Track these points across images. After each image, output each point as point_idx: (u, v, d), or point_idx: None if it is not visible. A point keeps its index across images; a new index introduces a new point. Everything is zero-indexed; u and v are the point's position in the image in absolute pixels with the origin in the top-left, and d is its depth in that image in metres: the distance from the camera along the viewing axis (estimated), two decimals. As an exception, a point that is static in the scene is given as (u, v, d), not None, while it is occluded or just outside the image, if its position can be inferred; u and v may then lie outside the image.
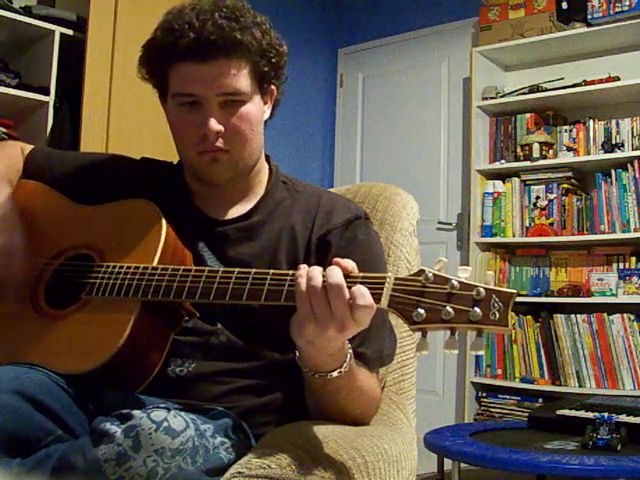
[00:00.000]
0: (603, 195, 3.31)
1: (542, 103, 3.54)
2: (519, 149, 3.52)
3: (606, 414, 2.41)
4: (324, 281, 0.89)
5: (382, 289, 0.88)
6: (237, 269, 0.99)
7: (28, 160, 1.31)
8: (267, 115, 1.22)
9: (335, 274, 0.89)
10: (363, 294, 0.87)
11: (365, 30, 4.41)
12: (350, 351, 1.02)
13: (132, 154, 1.34)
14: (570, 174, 3.42)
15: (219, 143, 1.11)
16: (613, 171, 3.28)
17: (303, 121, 4.31)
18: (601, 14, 3.26)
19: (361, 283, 0.88)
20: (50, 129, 2.70)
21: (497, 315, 0.82)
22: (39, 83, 2.71)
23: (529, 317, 3.42)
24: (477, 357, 3.47)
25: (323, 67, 4.50)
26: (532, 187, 3.50)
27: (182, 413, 0.91)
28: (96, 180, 1.26)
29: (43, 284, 1.15)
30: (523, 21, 3.56)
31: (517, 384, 3.38)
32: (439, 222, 3.97)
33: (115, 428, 0.87)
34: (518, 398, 3.37)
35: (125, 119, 2.80)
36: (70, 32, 2.76)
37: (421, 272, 0.87)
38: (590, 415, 2.46)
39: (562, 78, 3.53)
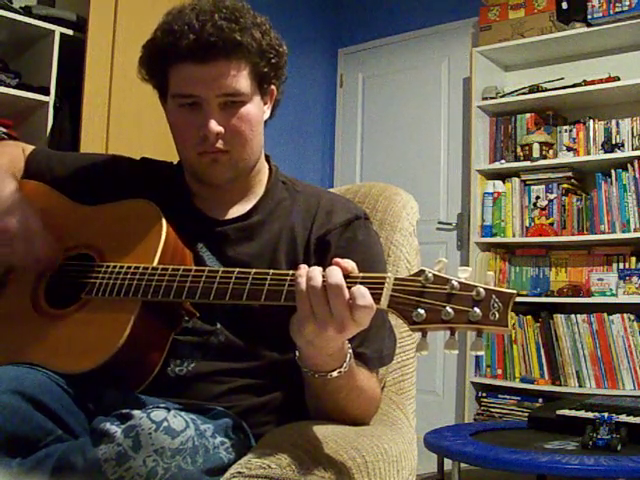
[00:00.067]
0: (603, 195, 3.31)
1: (542, 103, 3.54)
2: (519, 149, 3.52)
3: (606, 414, 2.41)
4: (324, 281, 0.89)
5: (382, 289, 0.88)
6: (237, 269, 0.99)
7: (29, 160, 1.31)
8: (267, 115, 1.22)
9: (335, 274, 0.89)
10: (363, 294, 0.87)
11: (365, 30, 4.41)
12: (350, 351, 1.02)
13: (132, 154, 1.34)
14: (570, 174, 3.42)
15: (219, 144, 1.12)
16: (613, 171, 3.28)
17: (303, 121, 4.31)
18: (601, 14, 3.26)
19: (361, 283, 0.89)
20: (50, 129, 2.70)
21: (497, 315, 0.82)
22: (39, 83, 2.71)
23: (529, 317, 3.42)
24: (477, 357, 3.47)
25: (323, 67, 4.50)
26: (532, 187, 3.50)
27: (182, 413, 0.92)
28: (96, 180, 1.26)
29: (43, 284, 1.15)
30: (523, 21, 3.56)
31: (517, 384, 3.38)
32: (439, 222, 3.97)
33: (115, 428, 0.87)
34: (518, 398, 3.37)
35: (125, 119, 2.80)
36: (70, 32, 2.76)
37: (421, 272, 0.87)
38: (590, 415, 2.46)
39: (562, 78, 3.53)
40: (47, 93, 2.69)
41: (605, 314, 3.20)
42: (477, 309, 0.82)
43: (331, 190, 1.40)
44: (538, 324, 3.39)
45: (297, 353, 1.00)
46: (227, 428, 1.00)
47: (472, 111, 3.64)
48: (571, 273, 3.42)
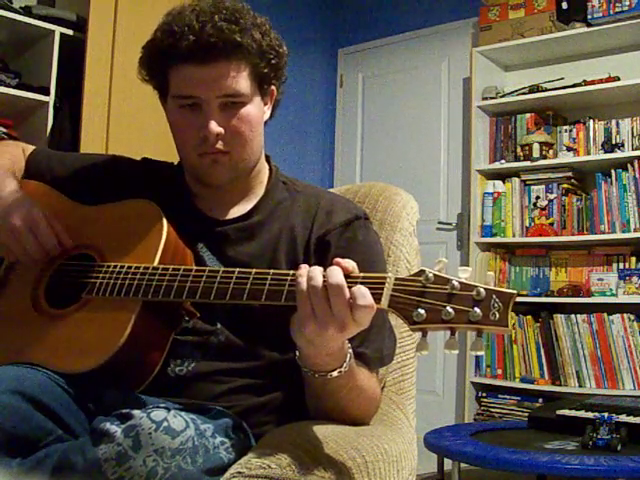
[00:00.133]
0: (603, 195, 3.31)
1: (542, 103, 3.54)
2: (519, 149, 3.52)
3: (606, 414, 2.41)
4: (325, 281, 0.89)
5: (382, 289, 0.88)
6: (237, 269, 0.99)
7: (29, 160, 1.31)
8: (267, 116, 1.22)
9: (336, 274, 0.89)
10: (363, 294, 0.87)
11: (365, 30, 4.41)
12: (350, 351, 1.02)
13: (132, 154, 1.34)
14: (570, 174, 3.42)
15: (219, 145, 1.12)
16: (613, 171, 3.28)
17: (303, 121, 4.31)
18: (601, 14, 3.26)
19: (361, 283, 0.89)
20: (50, 129, 2.70)
21: (497, 315, 0.82)
22: (39, 83, 2.71)
23: (529, 317, 3.42)
24: (477, 357, 3.47)
25: (323, 67, 4.50)
26: (532, 187, 3.50)
27: (182, 413, 0.92)
28: (97, 180, 1.26)
29: (44, 284, 1.15)
30: (523, 21, 3.56)
31: (517, 384, 3.38)
32: (439, 222, 3.97)
33: (115, 428, 0.87)
34: (518, 398, 3.37)
35: (125, 119, 2.80)
36: (70, 32, 2.76)
37: (421, 272, 0.87)
38: (590, 415, 2.46)
39: (562, 78, 3.53)
40: (47, 93, 2.69)
41: (605, 314, 3.20)
42: (477, 309, 0.82)
43: (331, 190, 1.40)
44: (538, 324, 3.39)
45: (297, 353, 1.00)
46: (227, 428, 1.00)
47: (472, 111, 3.64)
48: (571, 273, 3.42)
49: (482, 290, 0.83)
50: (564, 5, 3.34)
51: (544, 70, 3.68)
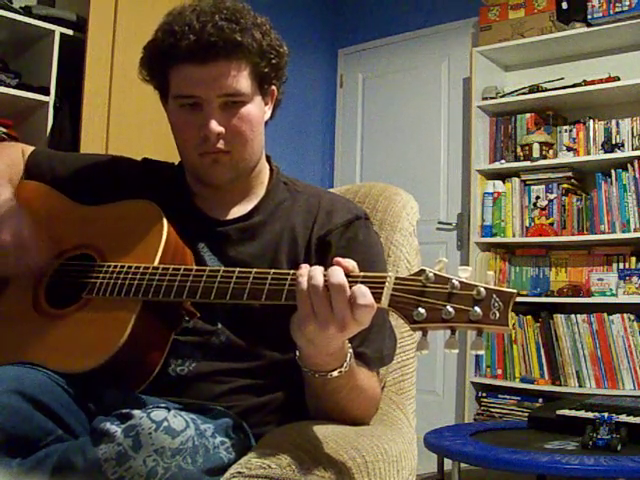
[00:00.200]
0: (603, 195, 3.31)
1: (542, 103, 3.54)
2: (519, 149, 3.52)
3: (606, 414, 2.41)
4: (326, 280, 0.89)
5: (383, 288, 0.88)
6: (238, 269, 0.99)
7: (29, 161, 1.31)
8: (268, 116, 1.22)
9: (337, 274, 0.89)
10: (364, 293, 0.87)
11: (365, 30, 4.41)
12: (350, 351, 1.02)
13: (132, 154, 1.34)
14: (570, 174, 3.42)
15: (220, 144, 1.12)
16: (613, 171, 3.28)
17: (303, 121, 4.31)
18: (601, 14, 3.26)
19: (362, 282, 0.89)
20: (50, 129, 2.70)
21: (497, 315, 0.82)
22: (39, 83, 2.71)
23: (529, 317, 3.42)
24: (477, 357, 3.47)
25: (323, 67, 4.50)
26: (532, 187, 3.50)
27: (182, 413, 0.92)
28: (97, 180, 1.26)
29: (44, 284, 1.15)
30: (523, 21, 3.56)
31: (517, 384, 3.38)
32: (439, 222, 3.97)
33: (115, 428, 0.87)
34: (518, 398, 3.37)
35: (125, 119, 2.80)
36: (70, 32, 2.76)
37: (421, 272, 0.87)
38: (590, 415, 2.46)
39: (562, 78, 3.53)
40: (47, 93, 2.69)
41: (605, 314, 3.20)
42: (478, 308, 0.82)
43: (331, 190, 1.40)
44: (538, 324, 3.39)
45: (297, 353, 1.00)
46: (227, 428, 1.00)
47: (472, 111, 3.64)
48: (571, 273, 3.42)
49: (482, 289, 0.83)
50: (564, 5, 3.34)
51: (544, 70, 3.68)
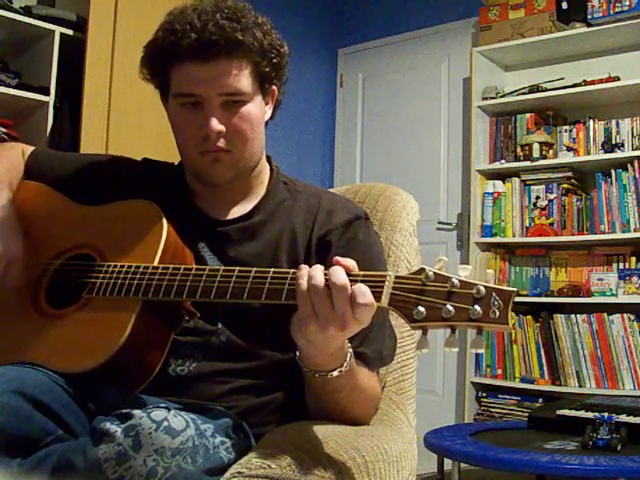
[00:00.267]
0: (603, 195, 3.31)
1: (542, 103, 3.54)
2: (519, 149, 3.52)
3: (606, 414, 2.40)
4: (326, 280, 0.89)
5: (383, 287, 0.88)
6: (238, 268, 0.99)
7: (29, 161, 1.31)
8: (268, 115, 1.22)
9: (339, 274, 0.89)
10: (364, 292, 0.87)
11: (365, 30, 4.41)
12: (350, 350, 1.02)
13: (132, 154, 1.34)
14: (570, 174, 3.42)
15: (220, 143, 1.12)
16: (613, 171, 3.28)
17: (303, 121, 4.31)
18: (601, 14, 3.26)
19: (362, 281, 0.89)
20: (50, 129, 2.70)
21: (497, 313, 0.82)
22: (39, 83, 2.71)
23: (529, 317, 3.42)
24: (477, 357, 3.47)
25: (323, 67, 4.50)
26: (532, 187, 3.50)
27: (182, 413, 0.92)
28: (97, 180, 1.26)
29: (44, 284, 1.15)
30: (523, 21, 3.56)
31: (517, 384, 3.38)
32: (439, 222, 3.97)
33: (115, 428, 0.87)
34: (518, 398, 3.37)
35: (125, 119, 2.80)
36: (70, 32, 2.76)
37: (421, 271, 0.87)
38: (590, 415, 2.46)
39: (562, 78, 3.53)
40: (47, 93, 2.69)
41: (605, 314, 3.20)
42: (477, 307, 0.82)
43: (331, 190, 1.40)
44: (538, 324, 3.39)
45: (298, 353, 1.00)
46: (227, 428, 1.00)
47: (472, 111, 3.64)
48: (571, 273, 3.42)
49: (482, 288, 0.83)
50: (564, 5, 3.34)
51: (544, 70, 3.68)
